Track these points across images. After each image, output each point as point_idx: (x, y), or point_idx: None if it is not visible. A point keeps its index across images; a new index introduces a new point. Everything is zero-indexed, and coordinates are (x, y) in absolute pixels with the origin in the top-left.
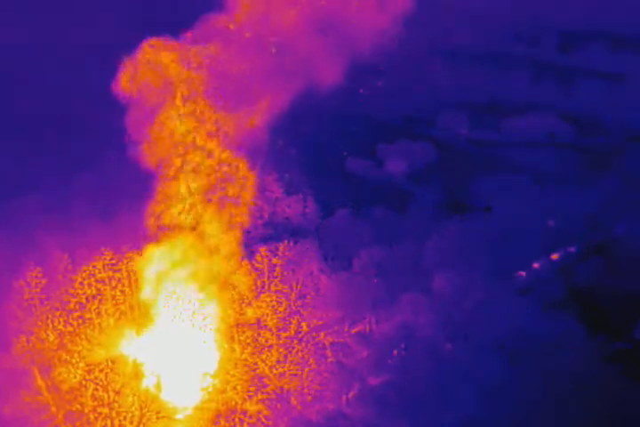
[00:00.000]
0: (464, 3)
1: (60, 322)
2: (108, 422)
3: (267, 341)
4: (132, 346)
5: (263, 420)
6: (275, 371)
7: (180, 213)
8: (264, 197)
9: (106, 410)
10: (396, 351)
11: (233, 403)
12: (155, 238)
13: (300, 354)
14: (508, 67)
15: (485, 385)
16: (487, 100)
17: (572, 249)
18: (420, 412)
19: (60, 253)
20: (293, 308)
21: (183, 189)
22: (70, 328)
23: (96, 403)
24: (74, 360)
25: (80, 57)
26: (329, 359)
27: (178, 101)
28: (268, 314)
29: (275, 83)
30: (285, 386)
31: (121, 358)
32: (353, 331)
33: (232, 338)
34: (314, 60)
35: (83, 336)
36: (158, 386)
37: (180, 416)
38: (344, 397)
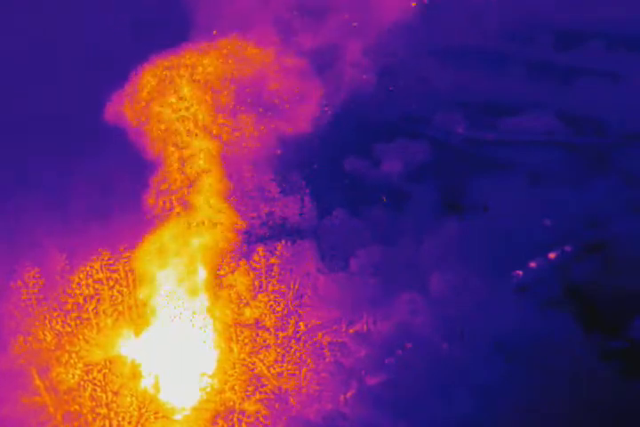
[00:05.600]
0: (462, 2)
1: (57, 322)
2: (107, 422)
3: (265, 341)
4: (129, 346)
5: (261, 420)
6: (273, 371)
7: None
8: (261, 198)
9: (104, 410)
10: (400, 351)
11: (231, 403)
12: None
13: (298, 354)
14: (505, 66)
15: (483, 384)
16: (484, 100)
17: (569, 248)
18: (418, 411)
19: (57, 254)
20: (291, 308)
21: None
22: (68, 329)
23: (94, 403)
24: (72, 361)
25: (81, 57)
26: (327, 359)
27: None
28: (265, 314)
29: None
30: (283, 386)
31: (119, 358)
32: (351, 331)
33: (230, 338)
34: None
35: (81, 337)
36: (156, 386)
37: (178, 417)
38: (342, 396)
